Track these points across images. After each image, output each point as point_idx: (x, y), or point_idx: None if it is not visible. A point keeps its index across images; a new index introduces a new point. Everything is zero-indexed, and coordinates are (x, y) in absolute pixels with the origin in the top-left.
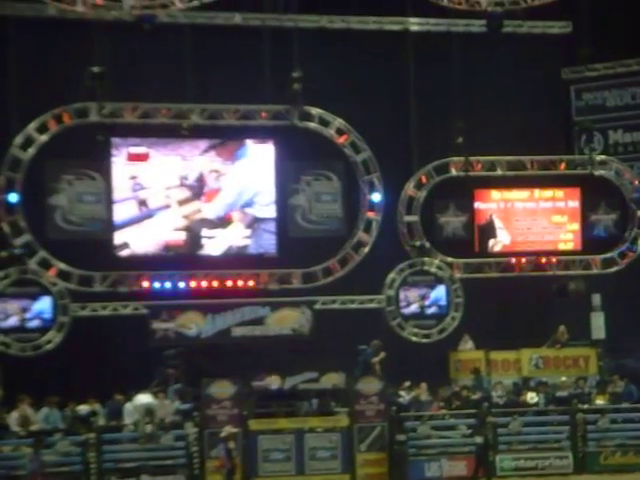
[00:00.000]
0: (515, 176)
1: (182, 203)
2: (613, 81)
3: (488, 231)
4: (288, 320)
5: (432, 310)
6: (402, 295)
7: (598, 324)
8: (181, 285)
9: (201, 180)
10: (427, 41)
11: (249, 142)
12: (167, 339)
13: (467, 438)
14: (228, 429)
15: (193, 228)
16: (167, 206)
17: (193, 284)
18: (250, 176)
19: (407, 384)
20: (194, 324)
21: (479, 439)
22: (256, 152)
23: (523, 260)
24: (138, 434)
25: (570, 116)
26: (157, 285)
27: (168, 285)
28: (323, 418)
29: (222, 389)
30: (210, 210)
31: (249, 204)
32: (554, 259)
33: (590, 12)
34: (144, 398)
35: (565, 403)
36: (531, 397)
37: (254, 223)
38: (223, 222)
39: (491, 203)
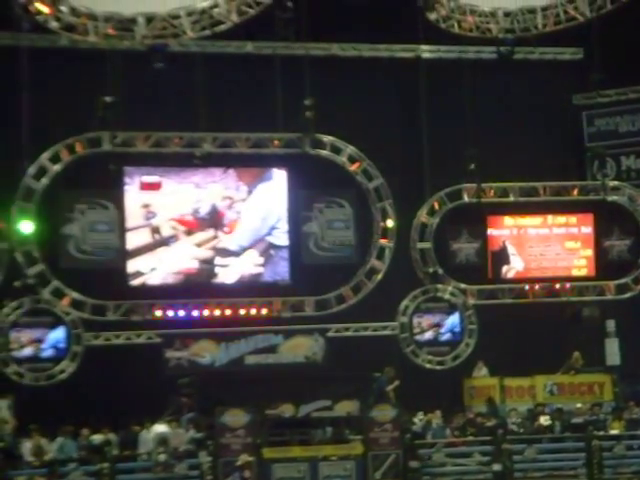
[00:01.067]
0: (528, 202)
1: (195, 231)
2: (625, 107)
3: (501, 257)
4: (301, 348)
5: (446, 337)
6: (416, 322)
7: (613, 350)
8: (194, 314)
9: (215, 209)
10: (438, 68)
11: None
12: (180, 368)
13: (484, 466)
14: (244, 457)
15: (206, 256)
16: (180, 234)
17: (206, 312)
18: (269, 203)
19: (420, 415)
20: (207, 353)
21: (497, 467)
22: (277, 179)
23: (536, 287)
24: (152, 463)
25: (582, 142)
26: (170, 314)
27: (181, 314)
28: (337, 446)
29: (236, 417)
30: (232, 239)
31: (269, 232)
32: (568, 285)
33: (601, 38)
34: (160, 428)
35: (580, 430)
36: (545, 419)
37: (268, 250)
38: (243, 250)
39: (504, 229)
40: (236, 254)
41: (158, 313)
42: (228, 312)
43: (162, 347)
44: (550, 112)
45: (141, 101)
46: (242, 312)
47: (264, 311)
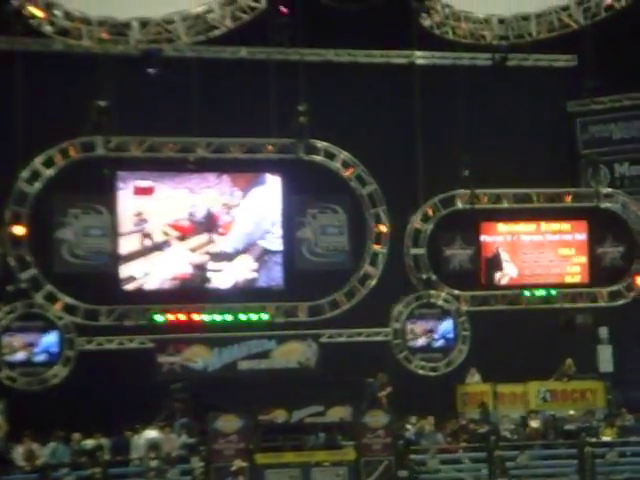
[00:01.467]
0: (521, 209)
1: (189, 236)
2: (619, 114)
3: (494, 264)
4: (294, 353)
5: (439, 343)
6: (409, 328)
7: (606, 357)
8: (187, 318)
9: (210, 213)
10: (433, 74)
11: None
12: (173, 373)
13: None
14: (238, 463)
15: (201, 261)
16: (174, 239)
17: (200, 317)
18: (263, 208)
19: (413, 420)
20: (200, 358)
21: None
22: (271, 184)
23: (535, 293)
24: (144, 469)
25: (576, 149)
26: (163, 318)
27: (180, 318)
28: (330, 452)
29: (228, 423)
30: (226, 243)
31: (262, 237)
32: (555, 292)
33: (595, 45)
34: (151, 433)
35: (573, 436)
36: (535, 422)
37: (263, 256)
38: (237, 254)
39: (497, 236)
40: (231, 257)
41: (159, 318)
42: (222, 317)
43: (155, 352)
44: (544, 119)
45: (135, 106)
46: (242, 318)
47: (265, 316)
